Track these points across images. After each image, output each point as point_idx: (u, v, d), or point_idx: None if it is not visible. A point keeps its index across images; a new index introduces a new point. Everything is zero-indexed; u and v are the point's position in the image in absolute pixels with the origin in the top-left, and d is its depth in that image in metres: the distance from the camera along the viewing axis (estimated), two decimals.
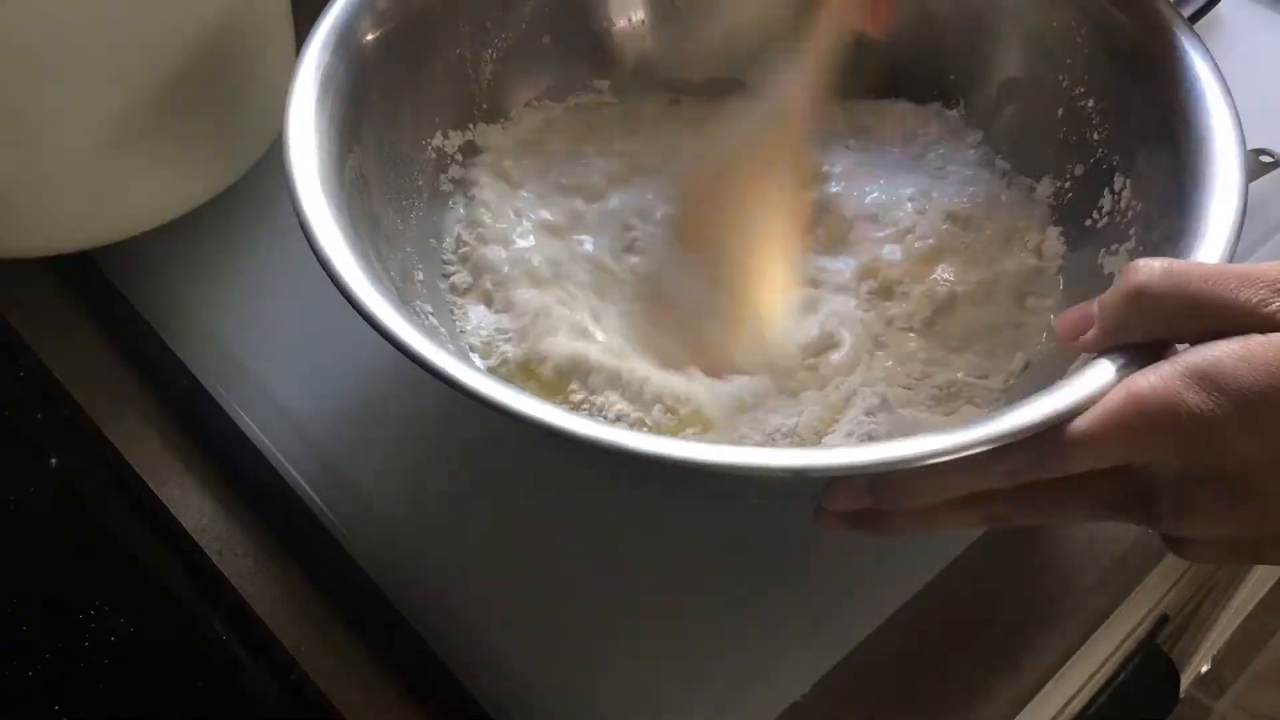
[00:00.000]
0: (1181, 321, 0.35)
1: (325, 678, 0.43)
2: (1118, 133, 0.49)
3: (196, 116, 0.50)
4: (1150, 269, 0.35)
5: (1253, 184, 0.56)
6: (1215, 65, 0.45)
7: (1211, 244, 0.40)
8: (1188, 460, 0.33)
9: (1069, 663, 0.47)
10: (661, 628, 0.43)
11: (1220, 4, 0.66)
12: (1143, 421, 0.33)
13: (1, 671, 0.42)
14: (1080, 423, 0.34)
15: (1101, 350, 0.36)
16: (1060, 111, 0.52)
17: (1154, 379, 0.33)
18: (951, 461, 0.34)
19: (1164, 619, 0.74)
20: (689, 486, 0.45)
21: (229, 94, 0.51)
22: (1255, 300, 0.33)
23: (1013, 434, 0.34)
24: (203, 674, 0.43)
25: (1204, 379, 0.32)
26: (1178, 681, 0.78)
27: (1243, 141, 0.43)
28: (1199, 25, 0.65)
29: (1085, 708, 0.69)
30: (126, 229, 0.52)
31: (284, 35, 0.53)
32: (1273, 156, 0.57)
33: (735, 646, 0.43)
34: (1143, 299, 0.35)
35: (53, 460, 0.48)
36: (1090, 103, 0.50)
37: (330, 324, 0.47)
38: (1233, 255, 0.40)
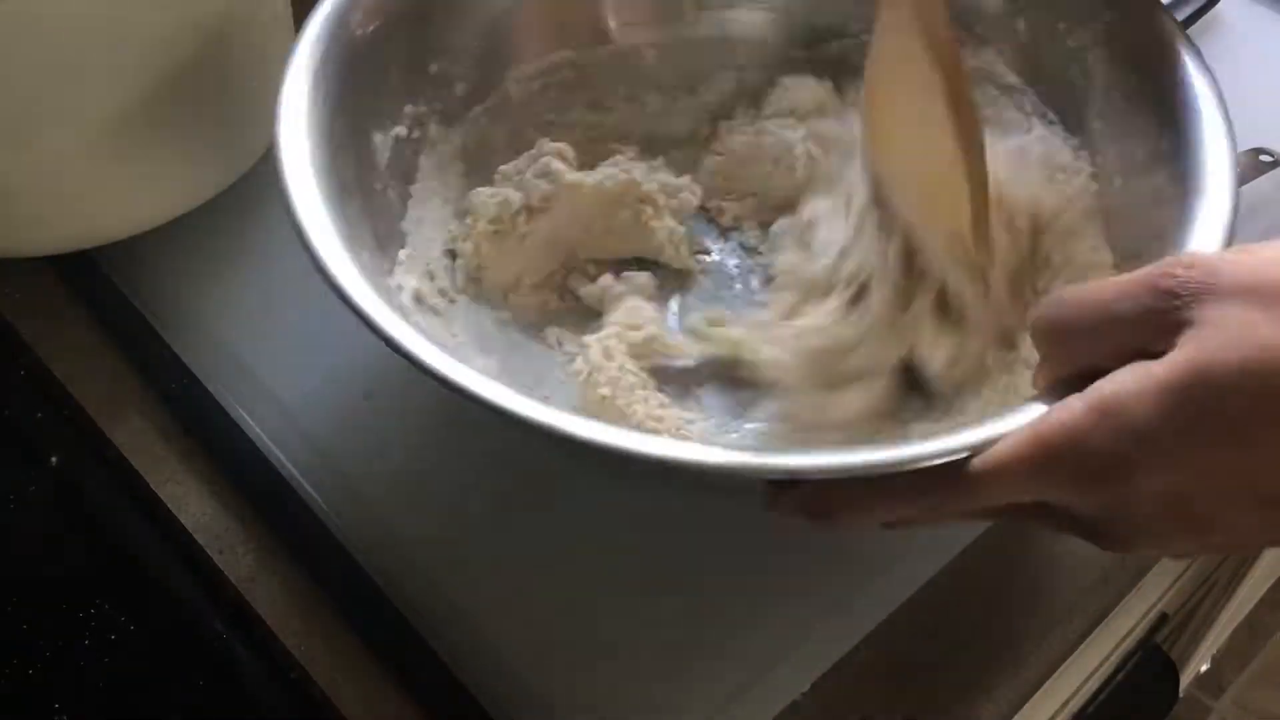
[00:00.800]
0: (1084, 347, 0.33)
1: (325, 677, 0.43)
2: (1109, 136, 0.49)
3: (197, 116, 0.50)
4: (1044, 305, 0.34)
5: (1253, 184, 0.56)
6: (1211, 75, 0.45)
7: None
8: (1104, 499, 0.32)
9: (1068, 661, 0.47)
10: (662, 627, 0.43)
11: (1220, 4, 0.66)
12: (1049, 462, 0.31)
13: (1, 671, 0.42)
14: (985, 462, 0.32)
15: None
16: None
17: (1060, 417, 0.31)
18: (870, 495, 0.34)
19: (1163, 617, 0.74)
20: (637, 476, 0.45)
21: (229, 93, 0.51)
22: (1136, 310, 0.31)
23: (891, 465, 0.33)
24: (203, 673, 0.43)
25: (1107, 415, 0.30)
26: (1177, 680, 0.79)
27: (1234, 151, 0.42)
28: (1199, 25, 0.65)
29: (1084, 706, 0.69)
30: (127, 228, 0.52)
31: (284, 35, 0.53)
32: (1273, 156, 0.57)
33: (735, 645, 0.43)
34: (1047, 335, 0.34)
35: (53, 460, 0.48)
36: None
37: (331, 323, 0.47)
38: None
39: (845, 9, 0.56)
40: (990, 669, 0.45)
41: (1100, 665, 0.68)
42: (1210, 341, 0.29)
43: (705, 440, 0.46)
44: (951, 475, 0.33)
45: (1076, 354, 0.33)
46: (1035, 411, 0.33)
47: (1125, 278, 0.32)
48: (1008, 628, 0.45)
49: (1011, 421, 0.33)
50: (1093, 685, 0.69)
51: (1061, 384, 0.33)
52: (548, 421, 0.35)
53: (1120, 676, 0.71)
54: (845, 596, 0.44)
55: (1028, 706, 0.46)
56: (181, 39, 0.48)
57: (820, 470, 0.34)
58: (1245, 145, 0.56)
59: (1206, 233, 0.40)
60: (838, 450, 0.35)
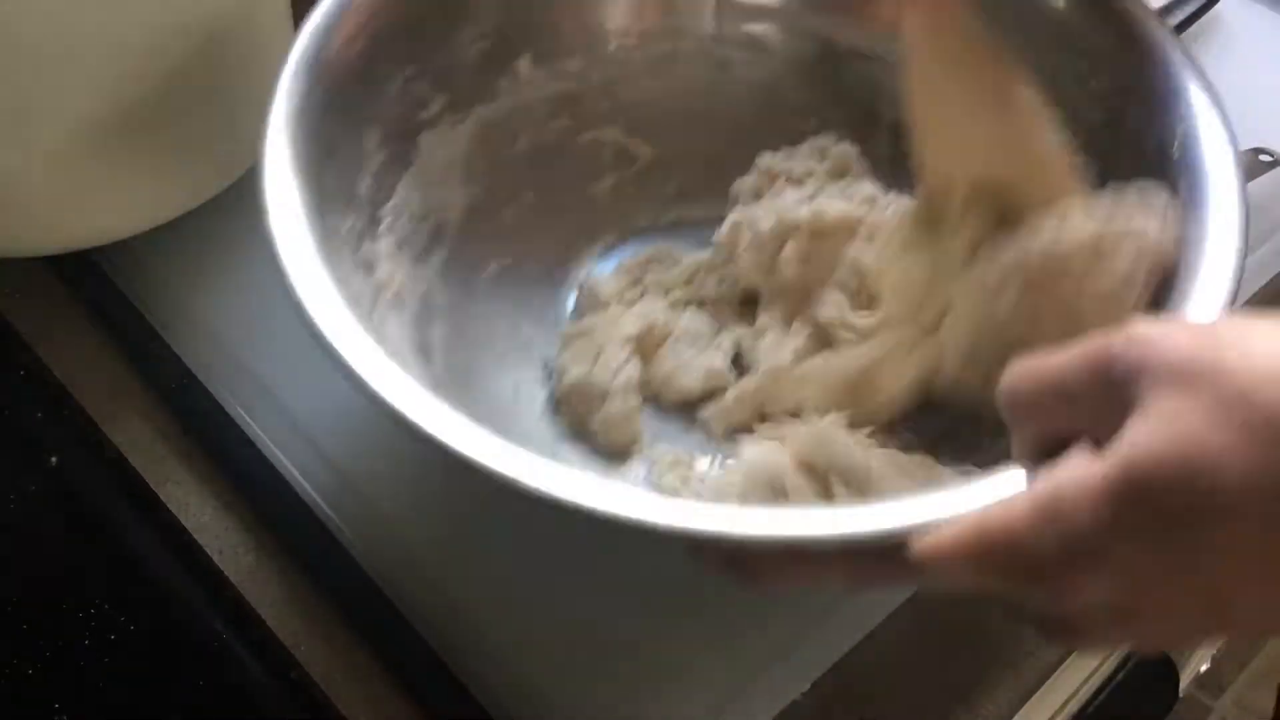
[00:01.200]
0: (1041, 421, 0.32)
1: (325, 677, 0.43)
2: (1107, 166, 0.47)
3: (197, 116, 0.50)
4: (1004, 378, 0.33)
5: (1252, 184, 0.56)
6: (1212, 90, 0.44)
7: (1207, 299, 0.39)
8: (1044, 597, 0.30)
9: (1067, 661, 0.47)
10: (661, 627, 0.43)
11: (1220, 4, 0.66)
12: (988, 558, 0.30)
13: (1, 671, 0.42)
14: (927, 547, 0.31)
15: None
16: None
17: (1002, 515, 0.30)
18: (797, 564, 0.34)
19: None
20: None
21: (229, 94, 0.51)
22: (1079, 385, 0.30)
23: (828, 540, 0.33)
24: (203, 673, 0.43)
25: (1047, 517, 0.29)
26: (1177, 680, 0.78)
27: (1244, 181, 0.41)
28: (1199, 25, 0.65)
29: (1084, 706, 0.68)
30: (127, 229, 0.52)
31: (284, 36, 0.53)
32: (1272, 156, 0.57)
33: (735, 645, 0.43)
34: (1008, 408, 0.33)
35: (53, 460, 0.48)
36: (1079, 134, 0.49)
37: None
38: (1234, 298, 0.39)
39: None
40: (990, 668, 0.45)
41: (1100, 665, 0.68)
42: (1143, 436, 0.28)
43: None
44: (890, 555, 0.32)
45: (1036, 427, 0.33)
46: (962, 495, 0.33)
47: (1074, 350, 0.31)
48: (1007, 627, 0.45)
49: (951, 503, 0.33)
50: (1093, 685, 0.69)
51: (1031, 456, 0.33)
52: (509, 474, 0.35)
53: (1120, 676, 0.70)
54: (845, 597, 0.44)
55: (1027, 706, 0.46)
56: (181, 39, 0.48)
57: (727, 538, 0.33)
58: (1245, 145, 0.56)
59: (1214, 283, 0.39)
60: (758, 519, 0.34)
